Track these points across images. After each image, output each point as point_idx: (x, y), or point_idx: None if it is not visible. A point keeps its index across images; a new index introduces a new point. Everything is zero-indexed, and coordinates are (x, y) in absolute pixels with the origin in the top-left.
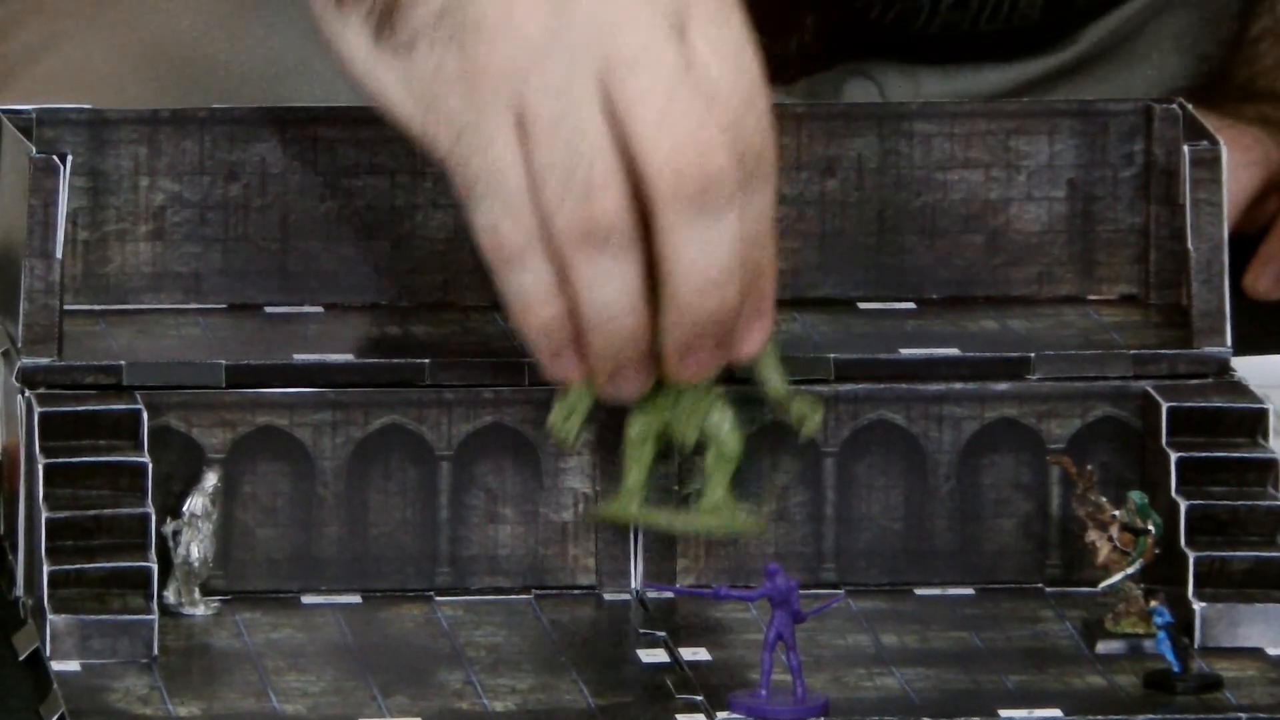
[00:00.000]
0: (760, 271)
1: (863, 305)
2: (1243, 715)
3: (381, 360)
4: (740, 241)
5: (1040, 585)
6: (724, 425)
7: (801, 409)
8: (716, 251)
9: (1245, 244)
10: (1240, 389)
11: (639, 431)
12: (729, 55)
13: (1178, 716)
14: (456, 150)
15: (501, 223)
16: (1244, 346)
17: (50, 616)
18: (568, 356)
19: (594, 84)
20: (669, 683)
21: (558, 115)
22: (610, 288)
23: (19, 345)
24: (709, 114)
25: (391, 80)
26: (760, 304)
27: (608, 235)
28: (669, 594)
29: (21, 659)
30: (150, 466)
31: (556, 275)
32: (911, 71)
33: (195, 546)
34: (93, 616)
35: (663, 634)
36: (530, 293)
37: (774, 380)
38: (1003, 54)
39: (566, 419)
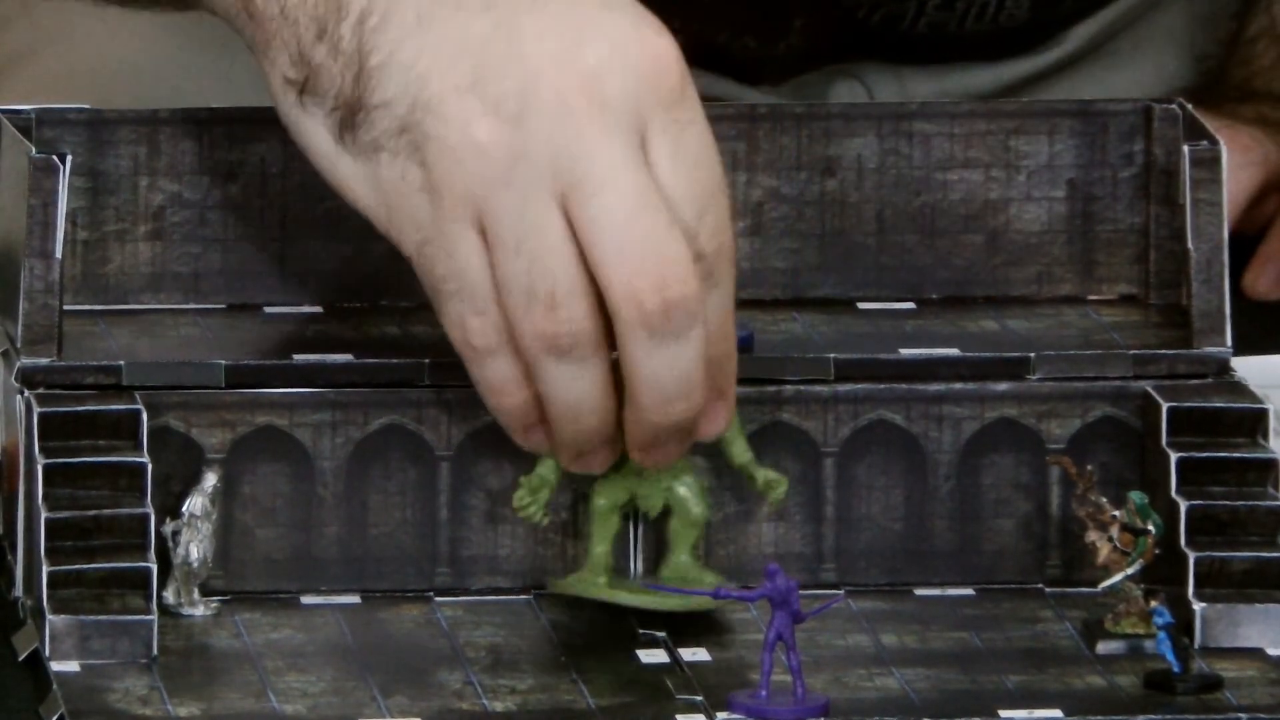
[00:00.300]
0: (722, 360)
1: (862, 305)
2: (1243, 715)
3: (381, 360)
4: (704, 348)
5: (1040, 585)
6: (689, 493)
7: (768, 477)
8: (680, 367)
9: (1244, 244)
10: (1240, 389)
11: (605, 503)
12: (688, 159)
13: (1178, 717)
14: (421, 251)
15: (469, 320)
16: (1244, 347)
17: (50, 617)
18: (540, 432)
19: (555, 204)
20: (669, 683)
21: (520, 234)
22: (576, 389)
23: (18, 345)
24: (670, 235)
25: (356, 177)
26: (723, 388)
27: (573, 346)
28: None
29: (21, 659)
30: (149, 467)
31: (524, 367)
32: (899, 72)
33: (195, 547)
34: (92, 617)
35: (662, 634)
36: (499, 382)
37: (738, 452)
38: (990, 54)
39: (534, 495)
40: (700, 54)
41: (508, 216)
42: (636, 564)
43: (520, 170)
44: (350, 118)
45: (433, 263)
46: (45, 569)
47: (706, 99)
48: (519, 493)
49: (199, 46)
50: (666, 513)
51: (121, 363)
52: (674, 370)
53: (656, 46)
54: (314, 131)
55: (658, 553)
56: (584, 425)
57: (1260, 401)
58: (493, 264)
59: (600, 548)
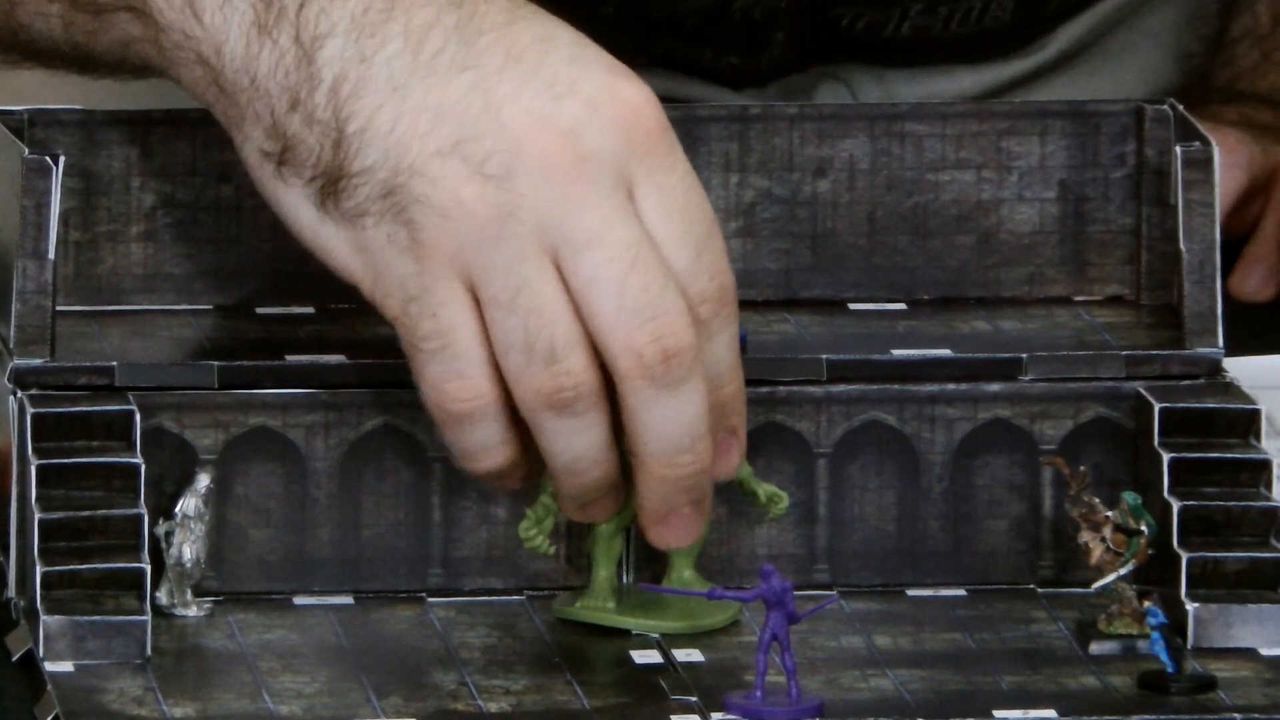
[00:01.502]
0: (732, 400)
1: (854, 306)
2: (1237, 716)
3: (374, 361)
4: (706, 397)
5: (1033, 586)
6: None
7: (769, 492)
8: (683, 417)
9: (1233, 246)
10: (1233, 390)
11: (607, 528)
12: (677, 204)
13: (1172, 717)
14: (406, 312)
15: (449, 383)
16: (1235, 347)
17: (44, 618)
18: (512, 481)
19: (546, 260)
20: (664, 684)
21: (512, 292)
22: (578, 444)
23: (11, 346)
24: (665, 286)
25: (340, 243)
26: (734, 427)
27: (575, 399)
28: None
29: (15, 660)
30: (143, 467)
31: (505, 431)
32: (883, 75)
33: (188, 547)
34: (86, 617)
35: (656, 635)
36: (474, 449)
37: (740, 467)
38: (975, 57)
39: (539, 525)
40: (683, 69)
41: (499, 274)
42: (630, 574)
43: (510, 228)
44: (332, 185)
45: (416, 321)
46: (39, 570)
47: (692, 102)
48: (524, 524)
49: None
50: None
51: (114, 363)
52: (677, 420)
53: (631, 96)
54: (294, 202)
55: (660, 569)
56: (588, 480)
57: (1253, 402)
58: (487, 323)
59: (604, 571)
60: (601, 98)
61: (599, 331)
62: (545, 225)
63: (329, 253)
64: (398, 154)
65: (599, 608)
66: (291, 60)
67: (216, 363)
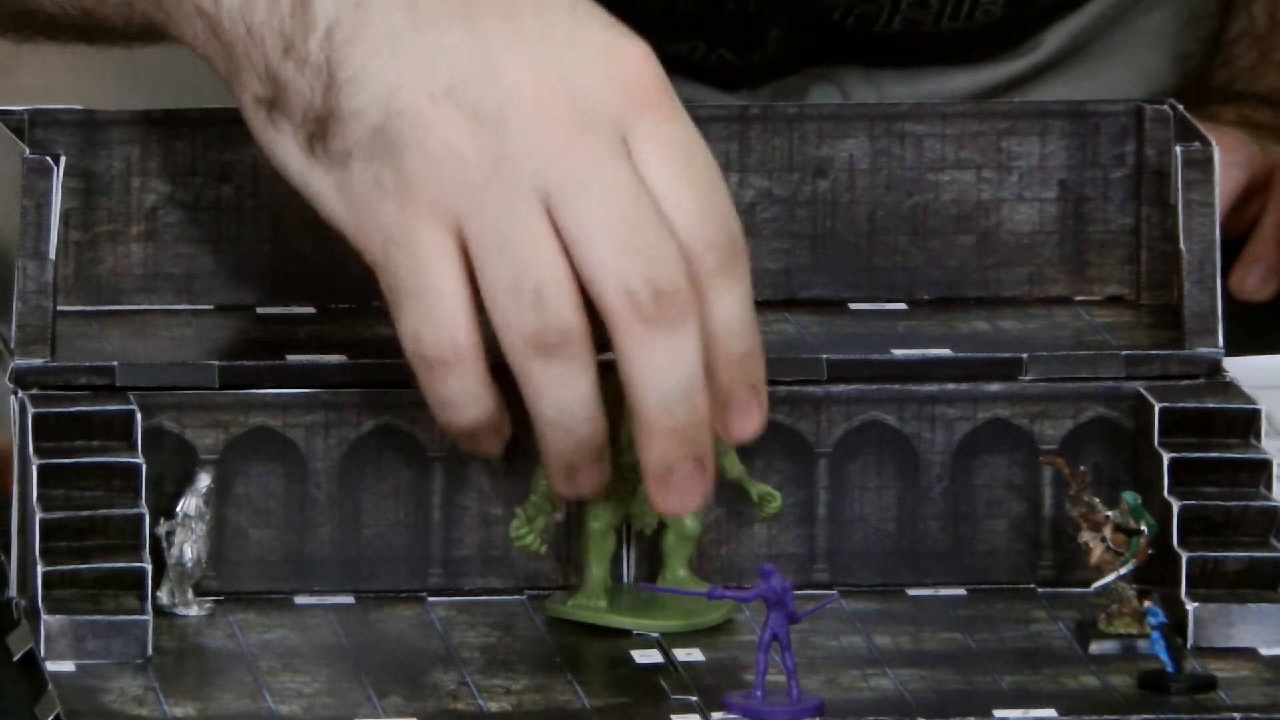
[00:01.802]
0: (748, 357)
1: (854, 306)
2: (1237, 715)
3: (374, 361)
4: (702, 348)
5: (1033, 586)
6: None
7: (762, 491)
8: (678, 363)
9: (1232, 246)
10: (1233, 390)
11: (599, 525)
12: (679, 154)
13: (1172, 717)
14: (386, 255)
15: (422, 329)
16: (1234, 347)
17: (45, 617)
18: (486, 441)
19: (538, 205)
20: (664, 684)
21: (501, 237)
22: (564, 393)
23: (12, 346)
24: (657, 229)
25: (327, 188)
26: (754, 383)
27: (560, 343)
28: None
29: (16, 660)
30: (143, 467)
31: (483, 383)
32: (876, 75)
33: (189, 547)
34: (87, 617)
35: (656, 635)
36: (449, 399)
37: (730, 466)
38: (967, 57)
39: (530, 524)
40: (677, 67)
41: (489, 220)
42: (630, 574)
43: (502, 174)
44: (321, 129)
45: (396, 264)
46: (40, 569)
47: (689, 103)
48: (515, 523)
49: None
50: (660, 528)
51: (115, 363)
52: (672, 366)
53: (629, 51)
54: (285, 147)
55: (653, 568)
56: (574, 435)
57: (1253, 402)
58: (475, 268)
59: (597, 570)
60: (600, 53)
61: (591, 276)
62: (538, 172)
63: (316, 198)
64: (389, 97)
65: (591, 606)
66: (287, 7)
67: (216, 363)
